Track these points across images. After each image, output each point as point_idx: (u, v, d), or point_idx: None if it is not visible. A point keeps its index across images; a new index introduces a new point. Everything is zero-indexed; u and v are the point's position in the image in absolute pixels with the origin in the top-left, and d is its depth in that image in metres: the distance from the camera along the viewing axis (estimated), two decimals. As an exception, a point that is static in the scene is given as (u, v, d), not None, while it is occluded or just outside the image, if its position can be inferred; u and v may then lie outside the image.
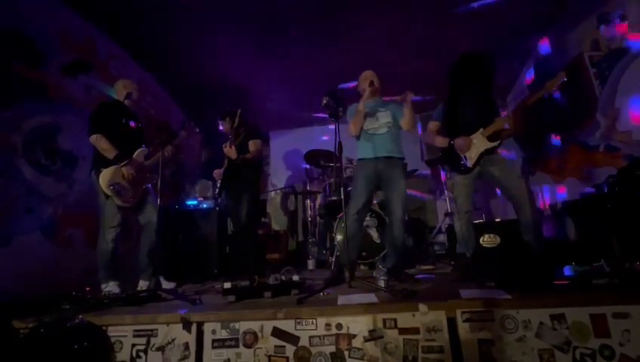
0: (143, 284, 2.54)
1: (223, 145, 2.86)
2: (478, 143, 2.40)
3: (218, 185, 2.97)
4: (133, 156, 2.56)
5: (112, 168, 2.44)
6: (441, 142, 2.54)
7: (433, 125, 2.63)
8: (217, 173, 3.03)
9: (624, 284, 1.64)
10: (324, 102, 2.30)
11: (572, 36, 3.47)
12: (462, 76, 2.51)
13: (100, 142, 2.45)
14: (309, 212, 4.57)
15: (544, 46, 3.98)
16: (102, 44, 3.58)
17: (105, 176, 2.42)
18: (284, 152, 5.87)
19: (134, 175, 2.47)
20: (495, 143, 2.38)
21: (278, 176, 5.90)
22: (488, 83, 2.53)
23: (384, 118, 2.52)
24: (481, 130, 2.41)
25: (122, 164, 2.44)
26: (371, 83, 2.47)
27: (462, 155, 2.43)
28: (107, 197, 2.44)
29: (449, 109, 2.56)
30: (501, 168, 2.36)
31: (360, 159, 2.55)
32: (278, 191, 5.67)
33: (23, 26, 2.76)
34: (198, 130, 2.86)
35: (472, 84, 2.47)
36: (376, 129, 2.50)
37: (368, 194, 2.46)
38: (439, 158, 2.67)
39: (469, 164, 2.40)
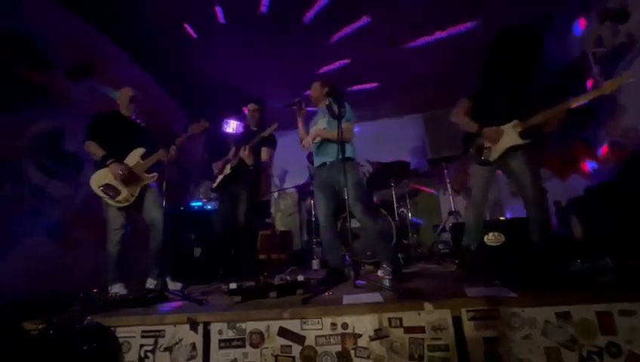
0: (150, 282, 2.58)
1: (243, 148, 2.83)
2: (507, 136, 2.14)
3: (218, 179, 2.93)
4: (128, 157, 2.58)
5: (101, 170, 2.49)
6: (469, 126, 2.29)
7: (464, 103, 2.33)
8: (218, 165, 2.98)
9: (630, 281, 1.63)
10: (326, 103, 2.31)
11: (575, 33, 3.45)
12: (503, 54, 2.22)
13: (91, 148, 2.52)
14: (313, 212, 4.57)
15: (548, 42, 3.96)
16: (103, 47, 3.62)
17: (94, 179, 2.48)
18: (287, 152, 5.88)
19: (123, 173, 2.47)
20: (526, 141, 2.12)
21: (281, 177, 5.93)
22: (532, 65, 2.26)
23: (321, 125, 2.55)
24: (516, 121, 2.11)
25: (109, 163, 2.46)
26: (299, 103, 2.60)
27: (486, 146, 2.21)
28: (99, 198, 2.48)
29: (483, 90, 2.29)
30: (521, 163, 2.14)
31: (315, 168, 2.67)
32: (282, 191, 5.69)
33: (26, 30, 2.79)
34: (207, 124, 2.80)
35: (513, 64, 2.18)
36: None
37: (327, 200, 2.51)
38: (462, 143, 2.39)
39: (492, 157, 2.19)
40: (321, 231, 2.56)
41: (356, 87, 4.89)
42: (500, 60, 2.20)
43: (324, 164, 2.52)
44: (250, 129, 3.11)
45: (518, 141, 2.11)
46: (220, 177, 2.94)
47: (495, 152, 2.17)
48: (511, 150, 2.13)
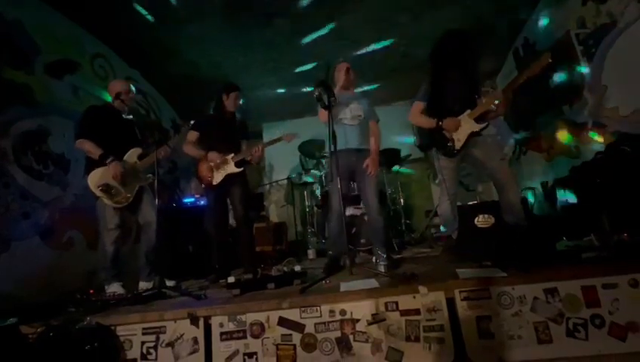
0: (143, 285, 2.53)
1: (254, 149, 2.78)
2: (465, 125, 2.35)
3: (221, 176, 2.82)
4: (125, 156, 2.55)
5: (99, 169, 2.43)
6: (428, 123, 2.47)
7: (418, 106, 2.55)
8: (218, 156, 2.81)
9: (612, 256, 1.71)
10: (316, 93, 2.30)
11: (558, 14, 3.48)
12: (445, 55, 2.42)
13: (84, 146, 2.45)
14: (307, 202, 4.60)
15: (531, 25, 3.99)
16: (87, 43, 3.51)
17: (92, 178, 2.42)
18: (279, 144, 5.85)
19: (123, 173, 2.44)
20: (483, 125, 2.33)
21: (274, 169, 5.91)
22: (472, 62, 2.46)
23: (356, 110, 2.51)
24: (468, 111, 2.35)
25: (108, 162, 2.41)
26: (347, 70, 2.50)
27: (449, 137, 2.38)
28: (97, 198, 2.44)
29: (433, 90, 2.49)
30: (484, 150, 2.35)
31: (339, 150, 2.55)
32: (275, 183, 5.68)
33: (4, 27, 2.68)
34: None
35: (455, 63, 2.39)
36: (348, 119, 2.52)
37: (346, 186, 2.49)
38: (427, 141, 2.63)
39: (458, 146, 2.36)
40: (335, 219, 2.45)
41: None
42: (445, 62, 2.41)
43: (349, 149, 2.46)
44: (228, 115, 2.94)
45: (476, 126, 2.33)
46: (224, 174, 2.82)
47: (459, 141, 2.35)
48: (472, 136, 2.34)
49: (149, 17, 3.40)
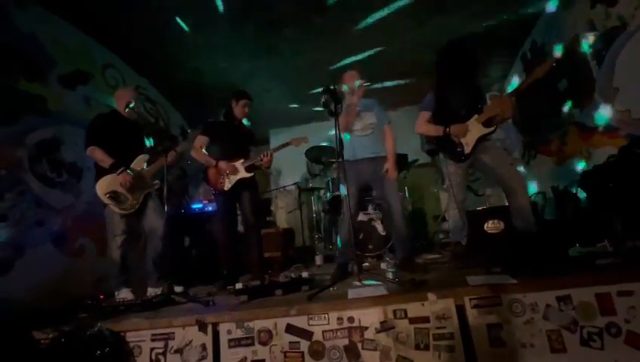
0: (151, 291, 2.56)
1: (262, 155, 2.82)
2: (473, 130, 2.36)
3: (233, 181, 2.84)
4: (133, 163, 2.59)
5: (107, 177, 2.48)
6: (435, 130, 2.48)
7: (424, 115, 2.57)
8: (227, 165, 2.81)
9: (627, 263, 1.67)
10: (323, 99, 2.31)
11: (566, 17, 3.45)
12: (450, 64, 2.45)
13: (95, 153, 2.49)
14: (314, 208, 4.60)
15: (539, 29, 3.97)
16: (98, 54, 3.61)
17: (101, 186, 2.47)
18: (285, 150, 5.89)
19: (132, 182, 2.49)
20: (491, 129, 2.34)
21: (281, 175, 5.94)
22: (475, 69, 2.49)
23: (369, 118, 2.55)
24: (476, 116, 2.36)
25: (118, 172, 2.46)
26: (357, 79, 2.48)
27: (458, 143, 2.39)
28: (105, 205, 2.49)
29: (439, 98, 2.51)
30: (493, 155, 2.34)
31: (344, 160, 2.54)
32: (281, 189, 5.71)
33: (19, 40, 2.79)
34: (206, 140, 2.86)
35: (460, 71, 2.41)
36: (361, 130, 2.55)
37: (358, 195, 2.52)
38: (436, 148, 2.63)
39: (467, 150, 2.36)
40: (347, 228, 2.39)
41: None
42: (449, 71, 2.44)
43: (363, 158, 2.50)
44: (235, 122, 2.97)
45: (484, 130, 2.33)
46: (235, 180, 2.83)
47: (467, 146, 2.36)
48: (481, 141, 2.34)
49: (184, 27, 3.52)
